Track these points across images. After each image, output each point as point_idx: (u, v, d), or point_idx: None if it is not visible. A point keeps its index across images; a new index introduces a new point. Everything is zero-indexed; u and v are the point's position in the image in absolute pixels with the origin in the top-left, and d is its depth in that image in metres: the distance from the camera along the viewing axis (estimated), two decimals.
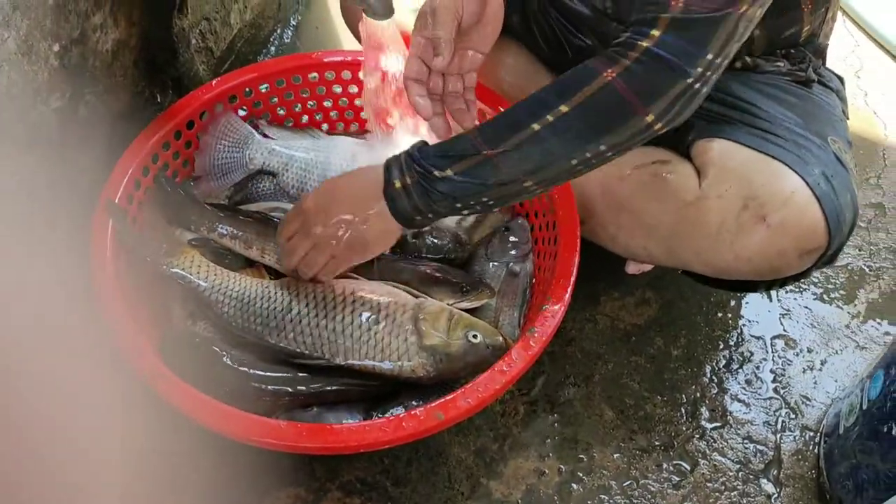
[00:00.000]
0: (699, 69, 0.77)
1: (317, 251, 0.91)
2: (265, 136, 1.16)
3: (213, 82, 1.12)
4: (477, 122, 1.00)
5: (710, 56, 0.77)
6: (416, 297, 0.98)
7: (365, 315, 0.93)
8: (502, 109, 1.08)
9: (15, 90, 0.83)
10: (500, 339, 0.93)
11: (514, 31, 1.18)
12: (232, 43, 1.34)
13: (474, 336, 0.92)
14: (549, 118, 0.81)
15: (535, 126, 0.81)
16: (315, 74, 1.18)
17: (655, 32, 0.77)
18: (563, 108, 0.80)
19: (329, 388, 0.92)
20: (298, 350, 0.93)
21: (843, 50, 1.66)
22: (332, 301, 0.94)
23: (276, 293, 0.96)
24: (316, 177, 1.13)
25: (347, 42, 1.49)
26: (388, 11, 0.97)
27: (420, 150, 0.86)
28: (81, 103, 0.96)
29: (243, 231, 1.03)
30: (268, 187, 1.14)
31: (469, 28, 0.95)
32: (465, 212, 0.89)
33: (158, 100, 1.15)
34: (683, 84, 0.78)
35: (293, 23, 1.58)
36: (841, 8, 1.69)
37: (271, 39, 1.52)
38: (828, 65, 1.11)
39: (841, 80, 1.09)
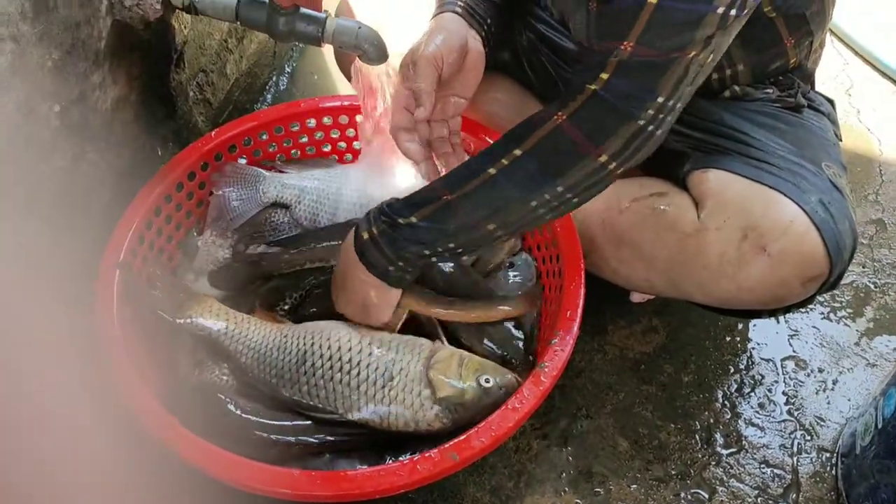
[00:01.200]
0: (650, 111, 0.77)
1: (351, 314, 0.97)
2: (280, 171, 1.18)
3: (213, 133, 1.13)
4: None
5: (660, 99, 0.77)
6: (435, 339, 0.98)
7: (380, 369, 0.92)
8: (490, 141, 1.10)
9: (16, 152, 0.84)
10: (511, 377, 0.92)
11: (506, 67, 1.20)
12: (229, 93, 1.36)
13: (486, 380, 0.91)
14: (504, 162, 0.82)
15: (491, 170, 0.83)
16: (313, 120, 1.20)
17: (604, 76, 0.77)
18: (517, 152, 0.82)
19: (341, 437, 0.92)
20: (312, 403, 0.93)
21: (832, 69, 1.67)
22: (348, 353, 0.93)
23: (292, 344, 0.96)
24: (328, 207, 1.15)
25: (342, 87, 1.51)
26: (381, 57, 0.99)
27: (389, 203, 0.89)
28: (83, 161, 0.97)
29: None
30: (281, 219, 1.15)
31: (451, 76, 0.98)
32: (434, 259, 0.90)
33: (159, 153, 1.16)
34: (634, 126, 0.78)
35: (288, 70, 1.60)
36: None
37: (267, 87, 1.54)
38: (818, 84, 1.12)
39: (831, 102, 1.10)
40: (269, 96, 1.54)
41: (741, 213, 0.94)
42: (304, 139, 1.21)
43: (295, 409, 0.93)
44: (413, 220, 0.86)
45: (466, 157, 1.03)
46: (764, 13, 0.93)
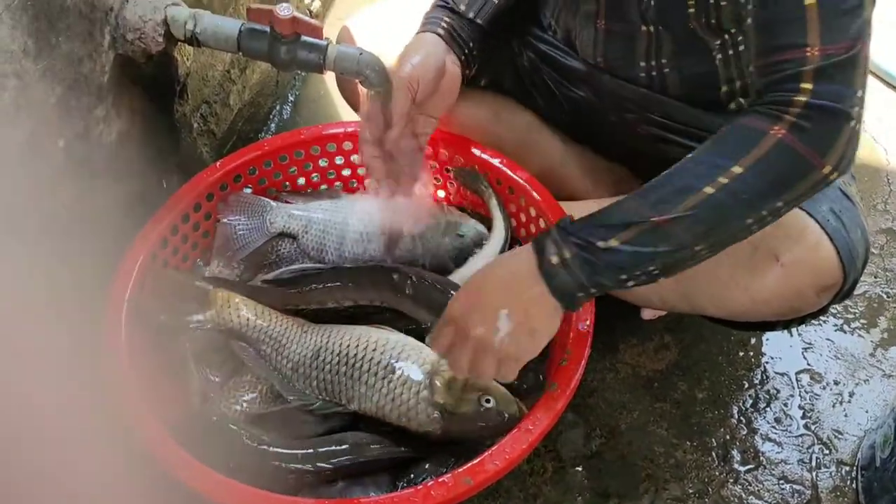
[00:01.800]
0: (856, 108, 0.78)
1: (482, 356, 0.84)
2: (286, 201, 1.17)
3: (217, 164, 1.13)
4: (424, 176, 1.07)
5: (859, 93, 0.78)
6: None
7: (383, 363, 0.94)
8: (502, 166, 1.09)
9: (23, 188, 0.84)
10: (516, 407, 0.91)
11: (509, 90, 1.20)
12: (233, 123, 1.37)
13: (487, 401, 0.91)
14: (723, 180, 0.78)
15: (709, 189, 0.78)
16: (317, 148, 1.20)
17: (807, 85, 0.76)
18: (737, 170, 0.78)
19: (352, 462, 0.91)
20: (320, 397, 0.96)
21: None
22: (355, 349, 0.95)
23: (309, 339, 0.99)
24: (334, 237, 1.14)
25: (345, 114, 1.51)
26: (383, 81, 0.99)
27: (573, 224, 0.83)
28: (89, 195, 0.97)
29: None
30: (288, 250, 1.15)
31: (425, 98, 0.99)
32: (630, 283, 0.82)
33: (164, 185, 1.16)
34: (849, 127, 0.77)
35: (291, 99, 1.61)
36: None
37: (271, 116, 1.55)
38: None
39: None
40: (272, 125, 1.54)
41: None
42: (309, 167, 1.21)
43: (304, 408, 0.96)
44: (614, 243, 0.80)
45: (423, 175, 1.07)
46: (748, 24, 0.92)
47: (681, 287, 1.00)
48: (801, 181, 0.78)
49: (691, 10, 0.90)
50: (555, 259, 0.81)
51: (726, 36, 0.94)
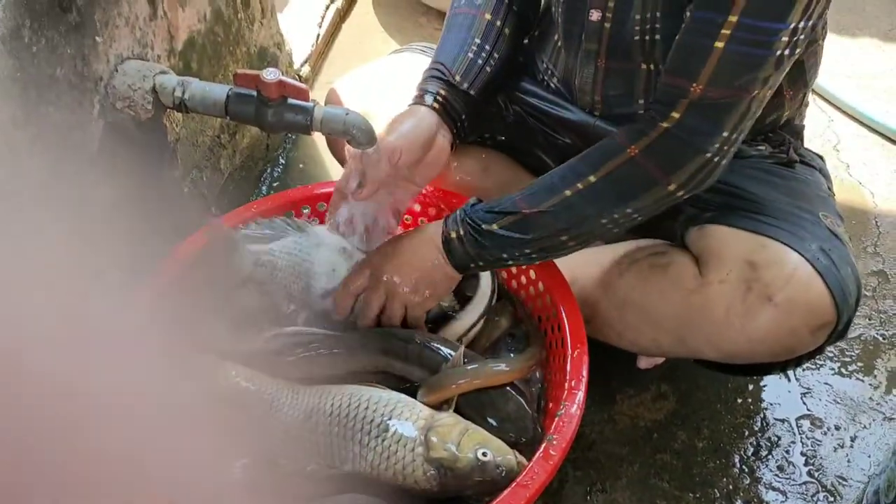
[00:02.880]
0: (716, 145, 0.87)
1: (392, 300, 1.01)
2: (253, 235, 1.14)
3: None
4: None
5: (725, 133, 0.87)
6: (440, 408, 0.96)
7: (376, 421, 0.92)
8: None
9: (14, 255, 0.84)
10: (513, 459, 0.90)
11: (496, 144, 1.21)
12: (224, 187, 1.38)
13: (484, 454, 0.89)
14: (579, 185, 0.92)
15: (567, 192, 0.93)
16: (307, 208, 1.20)
17: (675, 114, 0.86)
18: (591, 178, 0.92)
19: None
20: (312, 460, 0.93)
21: (818, 126, 1.70)
22: (346, 408, 0.94)
23: (301, 401, 0.97)
24: (301, 285, 1.11)
25: (336, 174, 1.53)
26: (370, 140, 1.00)
27: (471, 207, 0.99)
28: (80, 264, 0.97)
29: None
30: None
31: (410, 166, 1.02)
32: (510, 262, 0.99)
33: (157, 250, 1.16)
34: (702, 159, 0.88)
35: (282, 161, 1.63)
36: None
37: (262, 179, 1.56)
38: (806, 142, 1.13)
39: (821, 158, 1.11)
40: (263, 188, 1.56)
41: (743, 264, 0.94)
42: None
43: (296, 473, 0.93)
44: (494, 227, 0.95)
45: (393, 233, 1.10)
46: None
47: (677, 331, 1.00)
48: (645, 193, 0.91)
49: None
50: (453, 234, 0.98)
51: None
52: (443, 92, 1.04)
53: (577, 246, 0.97)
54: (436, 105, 1.03)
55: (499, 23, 1.08)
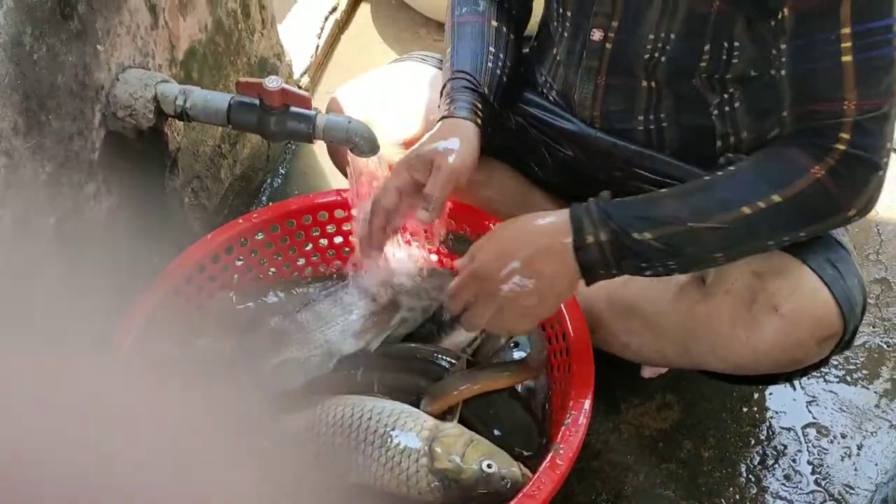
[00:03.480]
0: (884, 159, 0.85)
1: (505, 311, 0.88)
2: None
3: (209, 236, 1.13)
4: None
5: (889, 145, 0.84)
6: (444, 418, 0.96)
7: (380, 431, 0.91)
8: (493, 225, 1.09)
9: (14, 266, 0.83)
10: (518, 471, 0.89)
11: (499, 153, 1.21)
12: (224, 197, 1.37)
13: (489, 466, 0.88)
14: (761, 205, 0.84)
15: (746, 210, 0.84)
16: (308, 217, 1.20)
17: (845, 135, 0.82)
18: (776, 198, 0.84)
19: None
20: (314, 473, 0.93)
21: None
22: (349, 418, 0.93)
23: (302, 410, 0.97)
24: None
25: (337, 184, 1.52)
26: (373, 148, 1.00)
27: (612, 206, 0.86)
28: (79, 272, 0.96)
29: None
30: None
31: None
32: (648, 273, 0.88)
33: (156, 260, 1.16)
34: (878, 177, 0.84)
35: (283, 171, 1.62)
36: None
37: (262, 189, 1.56)
38: None
39: None
40: (264, 198, 1.55)
41: (748, 274, 0.93)
42: (301, 236, 1.21)
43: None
44: (647, 236, 0.85)
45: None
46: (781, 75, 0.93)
47: (682, 341, 0.99)
48: (827, 219, 0.86)
49: (703, 65, 0.93)
50: (590, 239, 0.85)
51: (725, 95, 0.96)
52: (479, 104, 1.01)
53: (723, 263, 0.90)
54: (477, 119, 1.00)
55: (505, 29, 1.08)
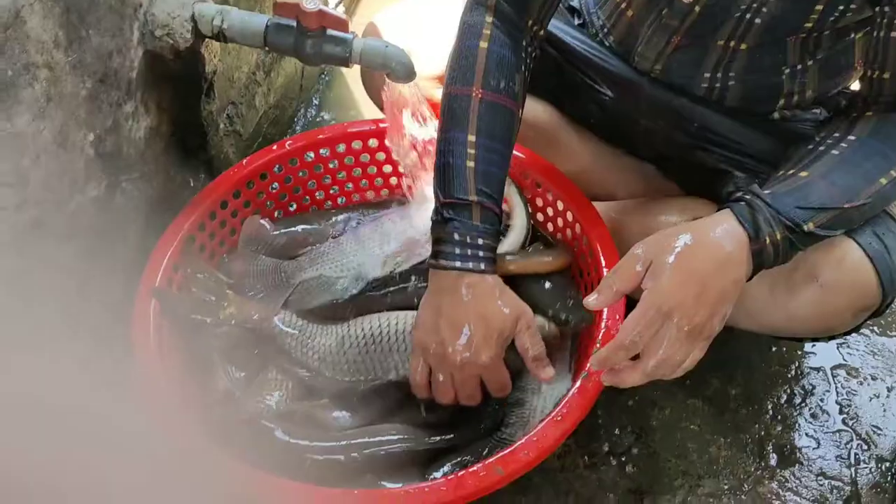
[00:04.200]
0: None
1: (691, 343, 0.79)
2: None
3: (244, 161, 1.14)
4: None
5: None
6: None
7: (409, 329, 0.96)
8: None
9: (53, 181, 0.84)
10: (545, 324, 0.95)
11: (533, 88, 1.19)
12: (258, 124, 1.37)
13: None
14: (894, 173, 0.83)
15: (883, 180, 0.83)
16: (342, 145, 1.20)
17: None
18: None
19: (385, 452, 0.90)
20: (351, 379, 0.97)
21: None
22: (377, 328, 0.98)
23: (331, 330, 1.00)
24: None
25: (369, 115, 1.52)
26: (409, 75, 0.99)
27: (776, 201, 0.81)
28: (118, 191, 0.98)
29: None
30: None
31: None
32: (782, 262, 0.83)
33: (191, 184, 1.17)
34: None
35: (315, 101, 1.62)
36: None
37: (296, 119, 1.56)
38: None
39: None
40: (297, 127, 1.55)
41: None
42: (334, 164, 1.21)
43: (334, 392, 0.98)
44: (811, 226, 0.81)
45: None
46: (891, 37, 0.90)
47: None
48: None
49: (808, 25, 0.89)
50: (768, 240, 0.79)
51: (807, 55, 0.94)
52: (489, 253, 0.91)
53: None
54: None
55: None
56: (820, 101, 1.01)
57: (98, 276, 0.95)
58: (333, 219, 1.16)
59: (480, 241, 0.89)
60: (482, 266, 0.88)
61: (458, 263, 0.88)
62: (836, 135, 0.87)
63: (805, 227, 0.80)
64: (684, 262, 0.79)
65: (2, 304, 0.78)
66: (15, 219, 0.79)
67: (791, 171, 0.85)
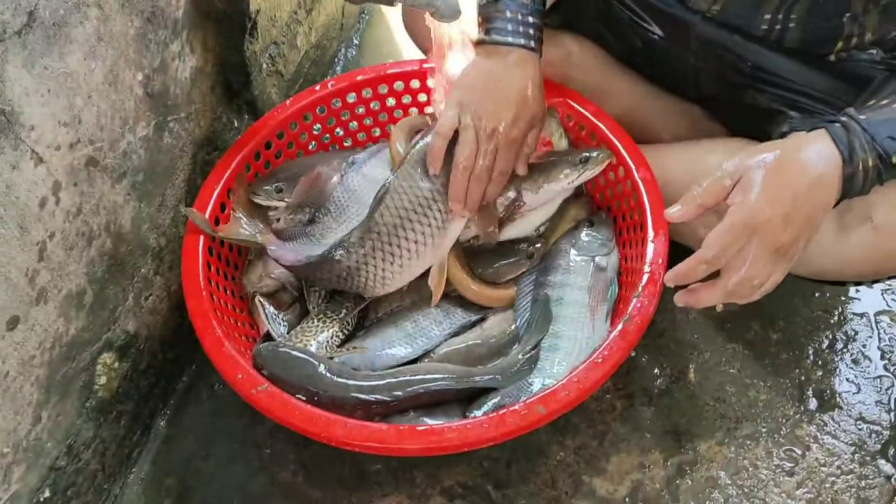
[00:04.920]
0: None
1: (774, 263, 0.79)
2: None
3: (288, 101, 1.14)
4: None
5: None
6: None
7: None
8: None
9: (104, 120, 0.86)
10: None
11: (580, 29, 1.17)
12: (300, 65, 1.37)
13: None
14: None
15: None
16: (384, 86, 1.19)
17: None
18: None
19: (426, 390, 0.92)
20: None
21: None
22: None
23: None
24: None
25: (410, 55, 1.50)
26: (454, 14, 0.98)
27: (872, 127, 0.79)
28: (165, 131, 0.99)
29: None
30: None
31: None
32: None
33: (235, 124, 1.18)
34: None
35: (356, 42, 1.61)
36: None
37: (336, 60, 1.55)
38: None
39: None
40: (338, 68, 1.54)
41: None
42: (376, 105, 1.21)
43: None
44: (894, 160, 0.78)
45: None
46: None
47: None
48: None
49: None
50: (861, 165, 0.77)
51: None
52: (532, 22, 0.96)
53: None
54: (534, 44, 0.96)
55: None
56: (878, 43, 0.98)
57: (147, 215, 0.97)
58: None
59: (530, 19, 0.95)
60: (532, 44, 0.95)
61: (510, 39, 0.94)
62: None
63: (893, 159, 0.77)
64: (775, 179, 0.77)
65: (62, 240, 0.81)
66: (70, 157, 0.80)
67: (884, 102, 0.82)
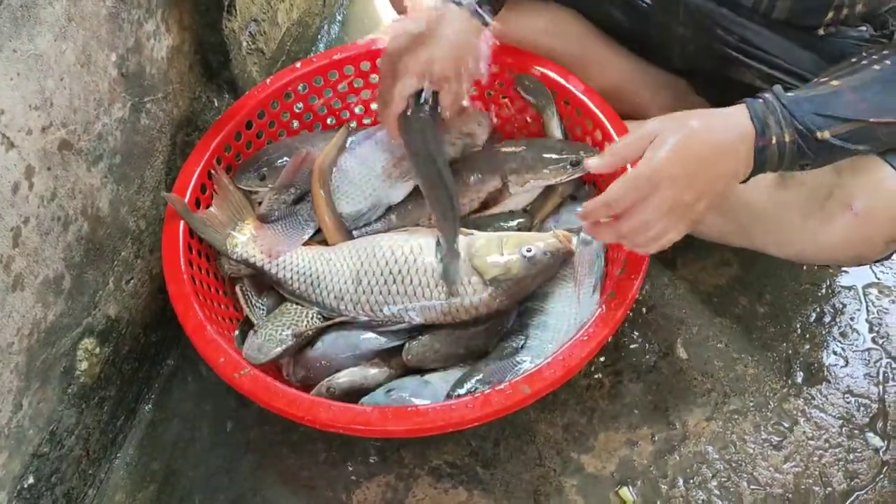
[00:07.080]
0: None
1: (670, 219, 0.80)
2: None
3: (268, 80, 1.12)
4: None
5: None
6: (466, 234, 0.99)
7: (428, 272, 0.95)
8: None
9: (77, 102, 0.84)
10: (554, 240, 0.94)
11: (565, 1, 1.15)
12: (281, 42, 1.35)
13: (528, 250, 0.93)
14: None
15: None
16: (367, 63, 1.18)
17: None
18: None
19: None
20: (377, 318, 0.96)
21: None
22: (395, 264, 0.96)
23: (343, 266, 0.98)
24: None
25: None
26: None
27: (794, 104, 0.80)
28: (142, 112, 0.97)
29: None
30: None
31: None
32: (798, 171, 0.84)
33: (216, 104, 1.16)
34: None
35: (339, 18, 1.58)
36: None
37: (319, 36, 1.53)
38: None
39: None
40: (321, 45, 1.52)
41: (828, 169, 0.88)
42: (359, 83, 1.19)
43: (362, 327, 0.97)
44: (827, 135, 0.80)
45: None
46: None
47: (747, 224, 0.97)
48: None
49: None
50: (774, 139, 0.79)
51: None
52: None
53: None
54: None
55: None
56: (867, 18, 0.97)
57: (124, 197, 0.96)
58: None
59: None
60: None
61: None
62: (884, 52, 0.84)
63: (819, 135, 0.79)
64: (685, 141, 0.80)
65: (36, 226, 0.79)
66: (42, 141, 0.79)
67: (824, 80, 0.84)
